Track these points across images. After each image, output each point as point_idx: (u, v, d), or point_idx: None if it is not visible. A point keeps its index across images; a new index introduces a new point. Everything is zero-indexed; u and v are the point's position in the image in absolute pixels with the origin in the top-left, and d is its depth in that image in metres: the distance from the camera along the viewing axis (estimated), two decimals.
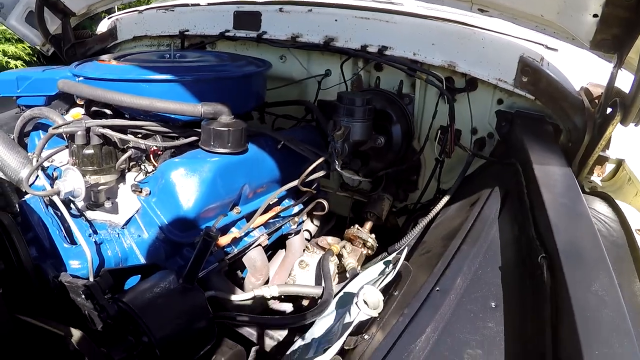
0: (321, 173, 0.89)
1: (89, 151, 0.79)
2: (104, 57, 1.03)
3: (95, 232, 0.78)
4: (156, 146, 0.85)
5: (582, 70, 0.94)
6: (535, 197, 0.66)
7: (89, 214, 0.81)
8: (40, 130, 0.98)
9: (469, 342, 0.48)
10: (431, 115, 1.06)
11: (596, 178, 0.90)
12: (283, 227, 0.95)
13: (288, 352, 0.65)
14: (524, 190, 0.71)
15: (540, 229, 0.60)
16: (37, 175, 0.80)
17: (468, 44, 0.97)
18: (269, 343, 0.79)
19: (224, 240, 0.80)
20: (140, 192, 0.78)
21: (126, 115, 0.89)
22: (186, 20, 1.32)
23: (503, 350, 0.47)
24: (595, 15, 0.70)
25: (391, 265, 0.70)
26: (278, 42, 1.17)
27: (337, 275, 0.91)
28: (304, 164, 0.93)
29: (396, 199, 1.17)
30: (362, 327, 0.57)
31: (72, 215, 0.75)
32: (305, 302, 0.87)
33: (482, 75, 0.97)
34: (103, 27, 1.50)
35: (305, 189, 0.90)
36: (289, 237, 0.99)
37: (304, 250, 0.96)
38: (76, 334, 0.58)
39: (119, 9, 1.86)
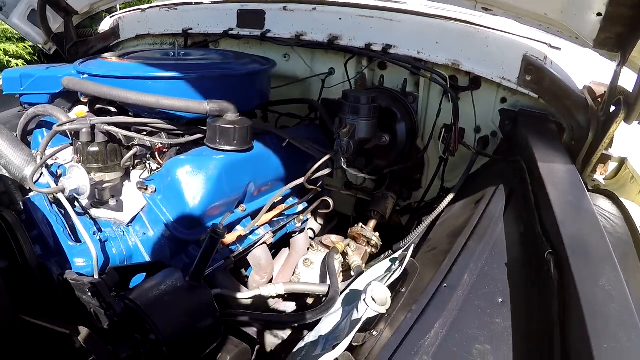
0: (327, 171, 0.89)
1: (93, 149, 0.79)
2: (107, 55, 1.02)
3: (99, 229, 0.78)
4: (161, 143, 0.85)
5: (585, 69, 0.94)
6: (540, 195, 0.66)
7: (94, 212, 0.80)
8: (44, 128, 0.97)
9: (478, 337, 0.49)
10: (435, 113, 1.06)
11: (599, 176, 0.91)
12: (288, 225, 0.95)
13: (295, 350, 0.65)
14: (529, 188, 0.72)
15: (546, 226, 0.60)
16: (42, 173, 0.80)
17: (472, 43, 0.97)
18: (273, 341, 0.79)
19: (229, 238, 0.80)
20: (146, 189, 0.78)
21: (130, 113, 0.89)
22: (189, 19, 1.32)
23: (511, 345, 0.48)
24: (599, 14, 0.71)
25: (398, 262, 0.70)
26: (282, 40, 1.17)
27: (341, 273, 0.91)
28: (308, 162, 0.93)
29: (400, 198, 1.18)
30: (370, 324, 0.57)
31: (77, 213, 0.75)
32: (309, 301, 0.87)
33: (486, 74, 0.97)
34: (105, 25, 1.50)
35: (311, 187, 0.90)
36: (293, 235, 0.99)
37: (308, 249, 0.96)
38: (83, 331, 0.57)
39: (120, 8, 1.86)
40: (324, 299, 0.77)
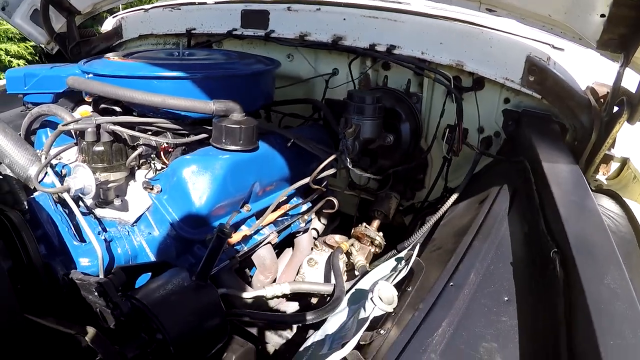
0: (331, 171, 0.90)
1: (99, 148, 0.79)
2: (111, 55, 1.03)
3: (104, 229, 0.77)
4: (167, 143, 0.85)
5: (587, 69, 0.95)
6: (544, 194, 0.67)
7: (98, 212, 0.80)
8: (48, 128, 0.97)
9: (484, 335, 0.49)
10: (438, 113, 1.07)
11: (601, 176, 0.91)
12: (292, 225, 0.95)
13: (301, 349, 0.65)
14: (532, 188, 0.72)
15: (550, 225, 0.61)
16: (46, 173, 0.80)
17: (475, 44, 0.98)
18: (278, 341, 0.80)
19: (234, 237, 0.80)
20: (152, 189, 0.78)
21: (134, 113, 0.89)
22: (193, 19, 1.33)
23: (517, 343, 0.48)
24: (602, 15, 0.71)
25: (403, 261, 0.70)
26: (286, 40, 1.18)
27: (345, 273, 0.92)
28: (312, 162, 0.93)
29: (403, 198, 1.18)
30: (377, 323, 0.58)
31: (82, 213, 0.74)
32: (313, 300, 0.87)
33: (490, 75, 0.98)
34: (108, 25, 1.50)
35: (316, 186, 0.90)
36: (297, 235, 1.00)
37: (312, 249, 0.96)
38: (90, 331, 0.57)
39: (123, 8, 1.86)
40: (328, 298, 0.78)
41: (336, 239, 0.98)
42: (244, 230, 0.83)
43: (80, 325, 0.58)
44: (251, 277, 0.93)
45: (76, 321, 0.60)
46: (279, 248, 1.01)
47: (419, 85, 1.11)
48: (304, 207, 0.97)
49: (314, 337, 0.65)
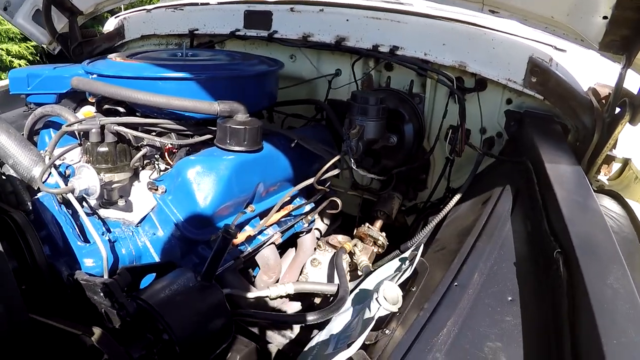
0: (335, 171, 0.90)
1: (103, 149, 0.79)
2: (114, 55, 1.03)
3: (108, 230, 0.78)
4: (171, 144, 0.85)
5: (589, 70, 0.95)
6: (547, 195, 0.67)
7: (102, 212, 0.81)
8: (51, 128, 0.97)
9: (489, 335, 0.49)
10: (441, 114, 1.07)
11: (603, 177, 0.92)
12: (295, 226, 0.95)
13: (306, 349, 0.65)
14: (535, 188, 0.73)
15: (553, 225, 0.61)
16: (50, 173, 0.80)
17: (478, 45, 0.98)
18: (282, 341, 0.80)
19: (239, 238, 0.80)
20: (156, 189, 0.79)
21: (137, 113, 0.89)
22: (196, 19, 1.33)
23: (521, 343, 0.48)
24: (604, 17, 0.72)
25: (407, 262, 0.71)
26: (289, 41, 1.18)
27: (348, 273, 0.92)
28: (315, 162, 0.94)
29: (405, 198, 1.18)
30: (382, 323, 0.58)
31: (86, 214, 0.75)
32: (316, 300, 0.88)
33: (492, 75, 0.98)
34: (110, 26, 1.50)
35: (320, 187, 0.90)
36: (300, 235, 1.00)
37: (315, 249, 0.97)
38: (96, 331, 0.58)
39: (125, 8, 1.85)
40: (331, 298, 0.78)
41: (339, 239, 0.98)
42: (248, 230, 0.84)
43: (86, 326, 0.58)
44: (254, 277, 0.93)
45: (81, 322, 0.60)
46: (281, 248, 1.02)
47: (421, 86, 1.12)
48: (308, 208, 0.97)
49: (319, 337, 0.66)
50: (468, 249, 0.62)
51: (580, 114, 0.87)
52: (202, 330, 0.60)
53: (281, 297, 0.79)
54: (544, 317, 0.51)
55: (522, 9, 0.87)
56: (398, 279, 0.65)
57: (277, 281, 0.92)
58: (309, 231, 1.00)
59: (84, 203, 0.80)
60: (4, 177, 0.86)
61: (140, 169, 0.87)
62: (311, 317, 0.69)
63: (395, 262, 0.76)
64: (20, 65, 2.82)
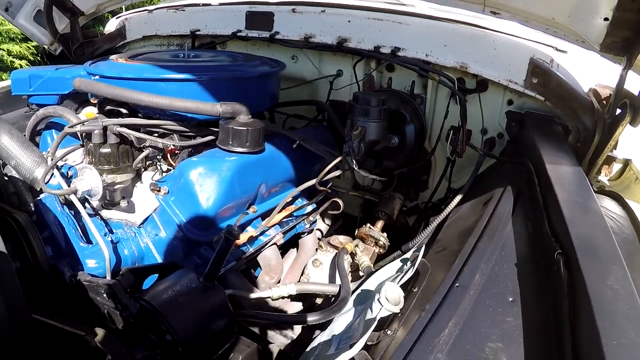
0: (337, 172, 0.90)
1: (106, 150, 0.79)
2: (116, 56, 1.03)
3: (111, 231, 0.78)
4: (173, 145, 0.86)
5: (590, 71, 0.96)
6: (548, 196, 0.67)
7: (105, 213, 0.81)
8: (53, 129, 0.97)
9: (490, 335, 0.50)
10: (442, 115, 1.07)
11: (603, 178, 0.92)
12: (297, 226, 0.96)
13: (308, 349, 0.66)
14: (536, 189, 0.73)
15: (554, 226, 0.61)
16: (52, 174, 0.80)
17: (479, 46, 0.98)
18: (284, 341, 0.80)
19: (241, 238, 0.81)
20: (159, 191, 0.79)
21: (139, 114, 0.89)
22: (197, 20, 1.33)
23: (522, 343, 0.49)
24: (605, 19, 0.72)
25: (409, 262, 0.71)
26: (291, 42, 1.18)
27: (350, 274, 0.92)
28: (317, 163, 0.94)
29: (407, 198, 1.19)
30: (383, 323, 0.58)
31: (88, 215, 0.75)
32: (318, 301, 0.88)
33: (493, 77, 0.98)
34: (111, 26, 1.50)
35: (322, 188, 0.91)
36: (302, 236, 1.00)
37: (316, 249, 0.97)
38: (99, 332, 0.58)
39: (126, 9, 1.85)
40: (333, 299, 0.78)
41: (340, 239, 0.98)
42: (250, 231, 0.84)
43: (89, 327, 0.59)
44: (256, 277, 0.93)
45: (83, 323, 0.60)
46: (282, 248, 1.02)
47: (423, 87, 1.12)
48: (309, 208, 0.97)
49: (321, 337, 0.66)
50: (469, 249, 0.63)
51: (581, 115, 0.87)
52: (204, 331, 0.61)
53: (283, 297, 0.79)
54: (545, 317, 0.51)
55: (523, 10, 0.87)
56: (400, 280, 0.65)
57: (279, 282, 0.92)
58: (310, 232, 1.00)
59: (87, 204, 0.80)
60: (6, 178, 0.86)
61: (143, 170, 0.88)
62: (313, 318, 0.69)
63: (397, 263, 0.77)
64: (21, 66, 2.81)
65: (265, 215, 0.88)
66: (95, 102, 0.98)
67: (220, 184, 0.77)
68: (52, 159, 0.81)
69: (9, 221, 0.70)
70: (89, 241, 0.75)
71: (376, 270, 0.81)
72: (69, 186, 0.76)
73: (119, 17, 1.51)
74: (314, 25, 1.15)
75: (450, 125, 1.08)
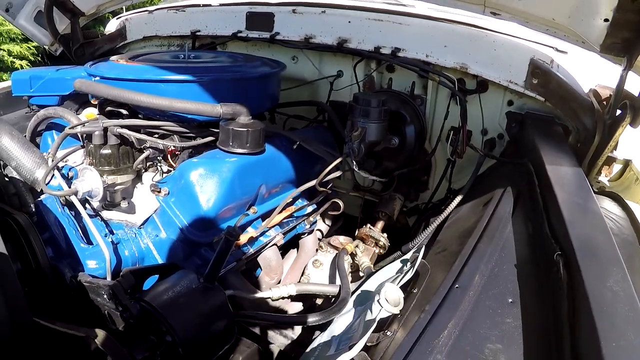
0: (337, 173, 0.90)
1: (106, 151, 0.80)
2: (117, 57, 1.03)
3: (111, 232, 0.78)
4: (174, 146, 0.86)
5: (590, 72, 0.96)
6: (548, 197, 0.68)
7: (105, 214, 0.81)
8: (53, 130, 0.98)
9: (489, 337, 0.50)
10: (442, 116, 1.08)
11: (604, 178, 0.92)
12: (297, 227, 0.96)
13: (308, 350, 0.66)
14: (536, 190, 0.73)
15: (554, 227, 0.61)
16: (53, 175, 0.80)
17: (480, 46, 0.98)
18: (284, 342, 0.80)
19: (241, 239, 0.81)
20: (159, 192, 0.79)
21: (140, 115, 0.89)
22: (197, 21, 1.33)
23: (522, 344, 0.49)
24: (606, 20, 0.72)
25: (409, 263, 0.71)
26: (291, 43, 1.18)
27: (350, 274, 0.93)
28: (317, 164, 0.94)
29: (407, 199, 1.19)
30: (383, 324, 0.58)
31: (89, 215, 0.75)
32: (318, 301, 0.88)
33: (494, 77, 0.98)
34: (112, 27, 1.50)
35: (322, 188, 0.91)
36: (302, 236, 1.00)
37: (317, 250, 0.97)
38: (99, 333, 0.58)
39: (127, 10, 1.86)
40: (333, 299, 0.78)
41: (341, 240, 0.98)
42: (251, 232, 0.84)
43: (89, 328, 0.59)
44: (256, 278, 0.94)
45: (83, 323, 0.60)
46: (282, 249, 1.03)
47: (423, 87, 1.12)
48: (309, 209, 0.97)
49: (321, 338, 0.66)
50: (469, 250, 0.63)
51: (581, 115, 0.87)
52: (205, 331, 0.61)
53: (283, 298, 0.79)
54: (544, 319, 0.51)
55: (523, 11, 0.87)
56: (399, 281, 0.65)
57: (279, 282, 0.92)
58: (310, 232, 1.00)
59: (87, 205, 0.80)
60: (7, 179, 0.86)
61: (143, 171, 0.88)
62: (313, 319, 0.69)
63: (397, 264, 0.77)
64: (21, 66, 2.82)
65: (265, 216, 0.88)
66: (96, 103, 0.99)
67: (220, 185, 0.77)
68: (52, 160, 0.81)
69: (9, 222, 0.70)
70: (89, 242, 0.76)
71: (376, 271, 0.81)
72: (69, 187, 0.76)
73: (120, 17, 1.51)
74: (314, 26, 1.15)
75: (450, 126, 1.08)
